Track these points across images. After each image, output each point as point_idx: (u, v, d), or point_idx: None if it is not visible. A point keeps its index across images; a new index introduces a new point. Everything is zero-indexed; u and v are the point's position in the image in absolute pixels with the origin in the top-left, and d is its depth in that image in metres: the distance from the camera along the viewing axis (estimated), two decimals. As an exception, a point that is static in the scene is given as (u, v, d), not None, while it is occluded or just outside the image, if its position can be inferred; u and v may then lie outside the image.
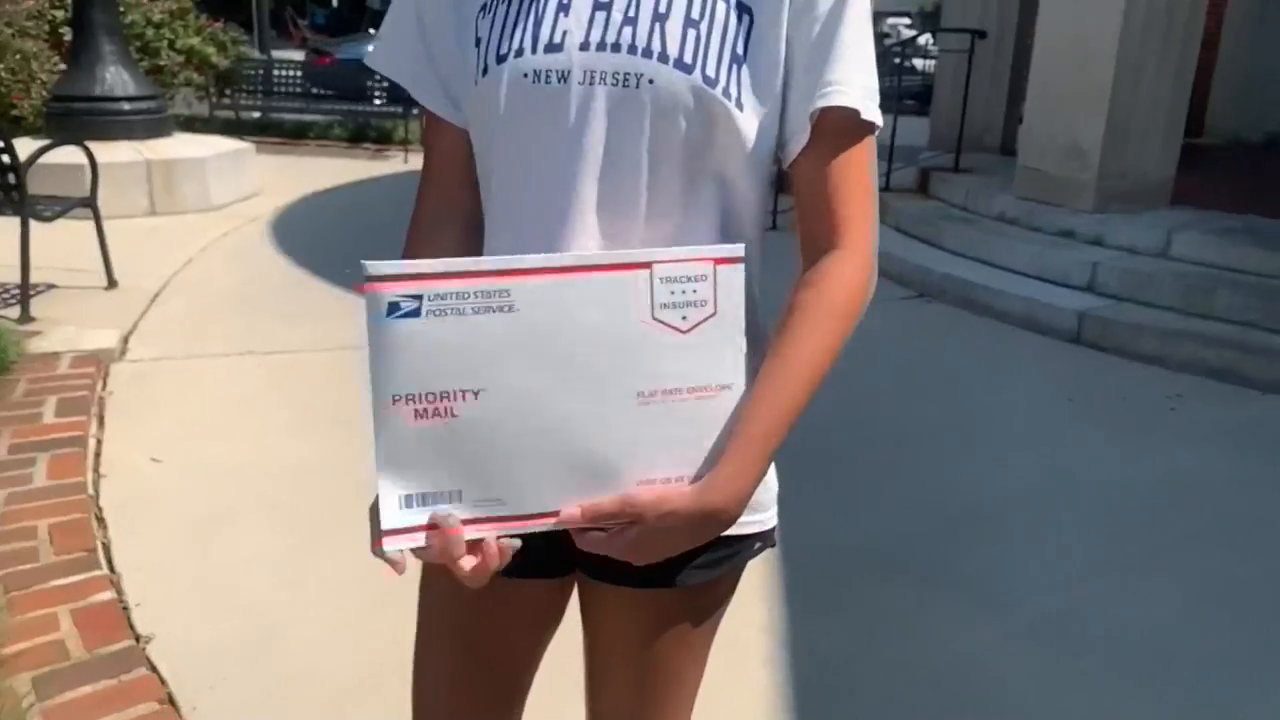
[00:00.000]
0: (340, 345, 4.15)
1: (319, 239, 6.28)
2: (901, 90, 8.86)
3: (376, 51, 1.07)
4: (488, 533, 0.87)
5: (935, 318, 5.26)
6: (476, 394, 0.84)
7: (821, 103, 0.93)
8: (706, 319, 0.88)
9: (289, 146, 10.36)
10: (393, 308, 0.82)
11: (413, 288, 0.82)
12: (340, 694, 2.13)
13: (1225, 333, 4.51)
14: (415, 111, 10.19)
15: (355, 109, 10.55)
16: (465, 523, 0.86)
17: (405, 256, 1.03)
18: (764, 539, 1.08)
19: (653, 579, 1.03)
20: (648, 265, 0.87)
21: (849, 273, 0.95)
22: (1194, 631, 2.47)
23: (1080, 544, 2.89)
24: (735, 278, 0.89)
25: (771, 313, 1.02)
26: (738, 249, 0.90)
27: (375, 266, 0.82)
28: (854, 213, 0.95)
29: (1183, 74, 5.88)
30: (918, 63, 14.64)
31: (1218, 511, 3.12)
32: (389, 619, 2.33)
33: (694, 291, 0.88)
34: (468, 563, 0.86)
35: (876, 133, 0.97)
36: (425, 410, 0.84)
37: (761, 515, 1.06)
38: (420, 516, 0.85)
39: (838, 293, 0.94)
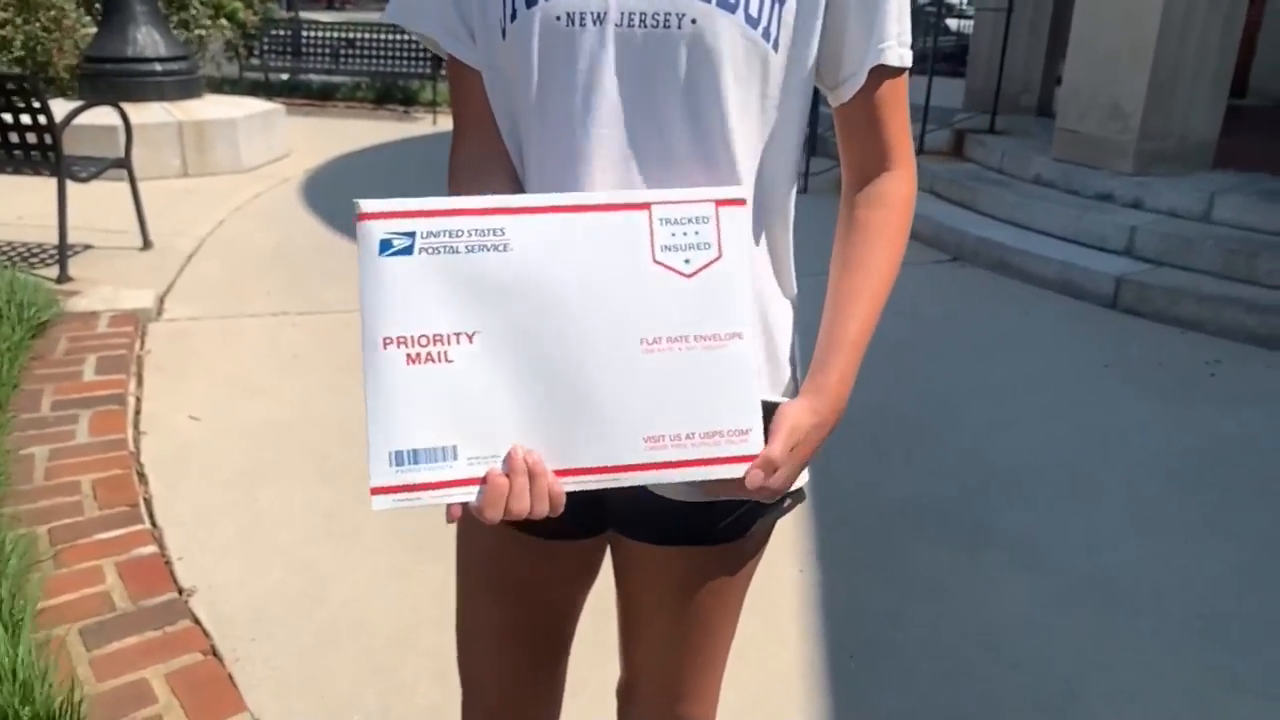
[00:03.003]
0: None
1: (351, 200, 6.28)
2: (935, 51, 8.70)
3: (398, 7, 1.02)
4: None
5: (969, 281, 5.20)
6: (471, 336, 0.81)
7: (882, 59, 0.96)
8: (711, 262, 0.85)
9: (317, 108, 10.35)
10: (385, 245, 0.81)
11: (406, 223, 0.81)
12: (380, 646, 2.16)
13: (1268, 298, 4.43)
14: (443, 72, 10.06)
15: (382, 70, 10.48)
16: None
17: None
18: (795, 495, 1.09)
19: (689, 536, 1.04)
20: (645, 206, 0.85)
21: (904, 190, 1.02)
22: (1240, 595, 2.45)
23: (1122, 507, 2.87)
24: (739, 221, 0.86)
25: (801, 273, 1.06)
26: (739, 190, 0.88)
27: (367, 202, 0.81)
28: (899, 138, 1.02)
29: (1230, 30, 5.71)
30: (951, 23, 14.40)
31: (1259, 476, 3.07)
32: (429, 573, 2.36)
33: (695, 234, 0.85)
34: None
35: None
36: (418, 354, 0.81)
37: None
38: (411, 475, 0.81)
39: (897, 208, 1.02)
